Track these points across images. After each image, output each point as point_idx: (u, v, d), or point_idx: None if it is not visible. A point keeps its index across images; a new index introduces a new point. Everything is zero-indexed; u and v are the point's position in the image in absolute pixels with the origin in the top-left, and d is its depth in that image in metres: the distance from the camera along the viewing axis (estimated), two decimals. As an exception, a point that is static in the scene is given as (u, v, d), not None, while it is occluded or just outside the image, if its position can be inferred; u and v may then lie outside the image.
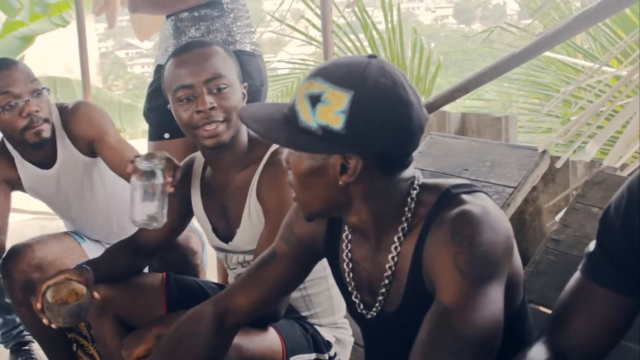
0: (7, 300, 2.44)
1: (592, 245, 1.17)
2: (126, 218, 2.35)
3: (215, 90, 1.74)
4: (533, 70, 5.06)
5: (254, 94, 2.30)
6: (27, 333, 2.63)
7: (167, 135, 2.44)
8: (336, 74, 1.21)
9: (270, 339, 1.74)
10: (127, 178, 2.15)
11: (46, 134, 2.17)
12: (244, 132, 1.82)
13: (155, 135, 2.51)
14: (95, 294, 1.83)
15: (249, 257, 1.84)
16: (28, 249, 2.23)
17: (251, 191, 1.79)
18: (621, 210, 1.11)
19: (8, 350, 2.69)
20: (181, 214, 1.93)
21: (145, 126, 2.63)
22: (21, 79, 2.14)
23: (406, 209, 1.29)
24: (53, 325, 1.82)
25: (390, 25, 5.48)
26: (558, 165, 2.59)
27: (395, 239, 1.30)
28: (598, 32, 4.71)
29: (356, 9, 5.50)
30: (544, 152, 2.53)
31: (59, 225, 2.61)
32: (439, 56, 5.82)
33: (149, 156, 1.80)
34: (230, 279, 1.99)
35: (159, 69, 2.46)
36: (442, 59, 5.68)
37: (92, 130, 2.23)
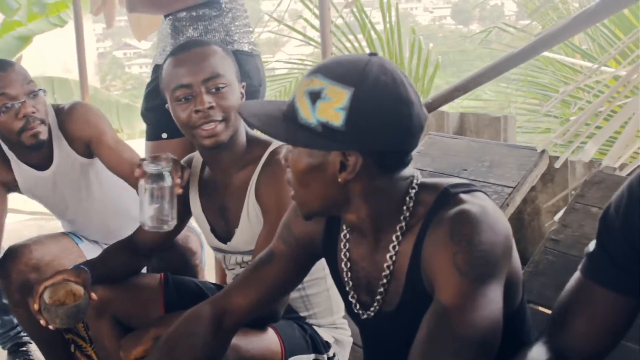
0: (5, 301, 2.44)
1: (592, 245, 1.17)
2: (123, 218, 2.36)
3: (213, 90, 1.73)
4: (531, 71, 5.06)
5: (252, 93, 2.30)
6: (25, 334, 2.63)
7: (164, 135, 2.44)
8: (336, 70, 1.21)
9: (269, 339, 1.74)
10: (126, 178, 2.15)
11: (43, 136, 2.16)
12: (243, 132, 1.81)
13: (152, 135, 2.50)
14: (93, 295, 1.82)
15: (247, 258, 1.84)
16: (25, 249, 2.22)
17: (250, 191, 1.79)
18: (621, 210, 1.11)
19: (6, 352, 2.68)
20: (179, 214, 1.93)
21: (143, 126, 2.63)
22: (17, 81, 2.13)
23: (405, 208, 1.28)
24: (50, 326, 1.81)
25: (388, 25, 5.48)
26: (557, 165, 2.59)
27: (394, 238, 1.29)
28: (596, 32, 4.71)
29: (354, 9, 5.50)
30: (543, 152, 2.52)
31: (56, 225, 2.61)
32: (437, 56, 5.81)
33: (155, 159, 1.79)
34: (229, 280, 1.98)
35: (156, 69, 2.46)
36: (440, 59, 5.68)
37: (89, 131, 2.22)
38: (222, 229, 1.88)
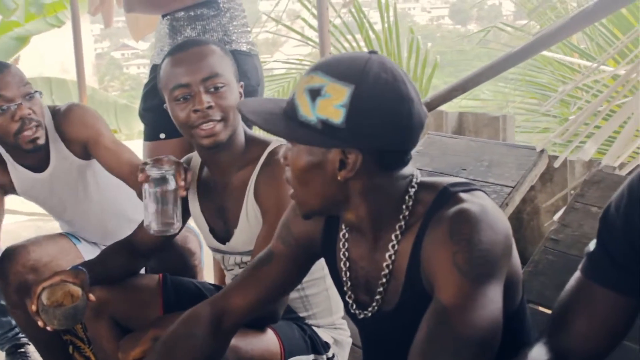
0: (2, 302, 2.43)
1: (592, 245, 1.17)
2: (121, 220, 2.36)
3: (212, 89, 1.73)
4: (529, 70, 5.06)
5: (251, 93, 2.29)
6: (23, 335, 2.62)
7: (162, 136, 2.43)
8: (337, 68, 1.21)
9: (268, 340, 1.73)
10: (125, 179, 2.14)
11: (41, 140, 2.16)
12: (241, 132, 1.81)
13: (150, 135, 2.49)
14: (91, 296, 1.81)
15: (246, 258, 1.83)
16: (23, 250, 2.22)
17: (249, 191, 1.78)
18: (621, 210, 1.11)
19: (4, 353, 2.68)
20: None
21: (141, 127, 2.62)
22: (13, 83, 2.12)
23: (404, 207, 1.28)
24: (48, 328, 1.80)
25: (386, 25, 5.48)
26: (556, 164, 2.59)
27: (393, 237, 1.29)
28: (595, 32, 4.71)
29: (352, 9, 5.50)
30: (542, 151, 2.52)
31: (54, 226, 2.60)
32: (435, 56, 5.81)
33: (157, 162, 1.79)
34: (228, 280, 1.98)
35: (154, 69, 2.45)
36: (439, 59, 5.68)
37: (86, 132, 2.21)
38: (221, 230, 1.88)
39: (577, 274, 1.18)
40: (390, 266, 1.30)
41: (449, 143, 2.82)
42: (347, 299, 1.39)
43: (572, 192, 2.52)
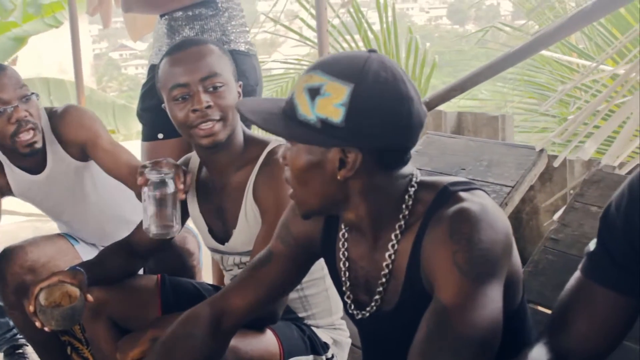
0: (0, 303, 2.42)
1: (592, 245, 1.16)
2: (119, 221, 2.35)
3: (211, 89, 1.72)
4: (528, 70, 5.05)
5: (249, 93, 2.29)
6: (21, 336, 2.61)
7: (160, 136, 2.42)
8: (336, 66, 1.20)
9: (268, 341, 1.73)
10: (124, 181, 2.13)
11: (39, 144, 2.15)
12: (240, 132, 1.80)
13: (148, 135, 2.49)
14: (89, 297, 1.81)
15: (245, 259, 1.83)
16: (21, 251, 2.21)
17: (247, 191, 1.78)
18: (622, 209, 1.10)
19: (2, 354, 2.67)
20: None
21: (139, 127, 2.61)
22: (10, 85, 2.11)
23: (404, 206, 1.28)
24: (46, 328, 1.80)
25: (384, 25, 5.48)
26: (556, 164, 2.58)
27: (393, 236, 1.28)
28: (593, 31, 4.71)
29: (351, 9, 5.50)
30: (542, 151, 2.52)
31: (52, 227, 2.59)
32: (433, 56, 5.81)
33: (155, 164, 1.79)
34: (226, 281, 1.97)
35: (152, 69, 2.45)
36: (437, 59, 5.68)
37: (83, 134, 2.20)
38: (220, 230, 1.87)
39: (577, 273, 1.17)
40: (390, 266, 1.30)
41: (447, 143, 2.82)
42: (347, 299, 1.38)
43: (571, 191, 2.52)
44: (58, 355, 2.31)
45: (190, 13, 2.42)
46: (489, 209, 1.20)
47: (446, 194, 1.25)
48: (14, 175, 2.26)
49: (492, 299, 1.14)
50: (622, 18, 4.43)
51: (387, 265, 1.30)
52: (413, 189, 1.28)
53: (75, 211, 2.35)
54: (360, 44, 5.67)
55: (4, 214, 2.36)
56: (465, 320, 1.12)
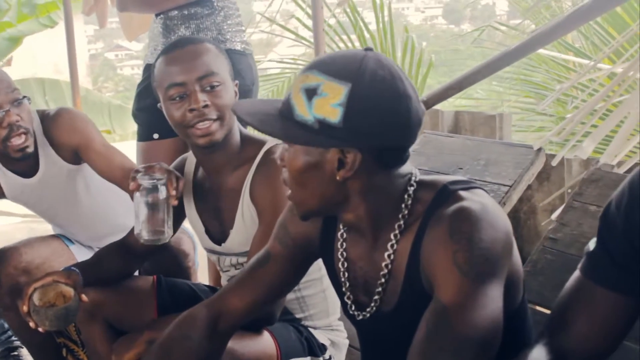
0: (-5, 305, 2.40)
1: (592, 244, 1.16)
2: (113, 224, 2.34)
3: (208, 88, 1.71)
4: (524, 69, 5.06)
5: (245, 93, 2.27)
6: (16, 338, 2.60)
7: (156, 136, 2.41)
8: (333, 66, 1.20)
9: (265, 342, 1.72)
10: (118, 183, 2.12)
11: (30, 149, 2.13)
12: (237, 132, 1.79)
13: (144, 136, 2.47)
14: (84, 297, 1.80)
15: (242, 259, 1.82)
16: (15, 252, 2.20)
17: (244, 192, 1.77)
18: (622, 208, 1.10)
19: (-3, 356, 2.66)
20: (173, 215, 1.90)
21: (135, 127, 2.60)
22: (1, 89, 2.08)
23: (403, 205, 1.27)
24: (40, 329, 1.78)
25: (381, 25, 5.48)
26: (554, 163, 2.58)
27: (392, 236, 1.28)
28: (590, 30, 4.72)
29: (347, 9, 5.50)
30: (539, 150, 2.51)
31: (48, 228, 2.58)
32: (429, 56, 5.81)
33: (148, 169, 1.77)
34: (223, 282, 1.96)
35: (148, 68, 2.43)
36: (434, 59, 5.68)
37: (76, 138, 2.18)
38: (217, 231, 1.86)
39: (577, 273, 1.17)
40: (389, 266, 1.29)
41: (445, 142, 2.81)
42: (347, 299, 1.38)
43: (569, 190, 2.52)
44: (53, 357, 2.30)
45: (185, 12, 2.40)
46: (489, 208, 1.20)
47: (446, 193, 1.24)
48: (7, 178, 2.25)
49: (493, 299, 1.14)
50: (618, 17, 4.44)
51: (387, 266, 1.29)
52: (412, 188, 1.27)
53: (69, 214, 2.34)
54: (357, 43, 5.67)
55: (-1, 215, 2.35)
56: (465, 320, 1.11)
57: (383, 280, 1.30)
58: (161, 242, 1.79)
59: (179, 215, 1.91)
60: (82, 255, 2.29)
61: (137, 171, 1.77)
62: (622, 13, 4.39)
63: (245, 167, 1.78)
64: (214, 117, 1.71)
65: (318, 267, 1.56)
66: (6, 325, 2.57)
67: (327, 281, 1.58)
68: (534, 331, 1.35)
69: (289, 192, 1.29)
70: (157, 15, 2.47)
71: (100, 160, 2.16)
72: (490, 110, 5.36)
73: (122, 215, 2.32)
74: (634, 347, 1.49)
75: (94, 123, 2.28)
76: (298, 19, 6.13)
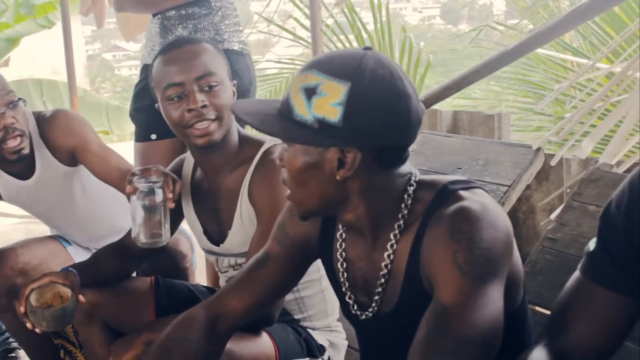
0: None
1: (591, 244, 1.15)
2: (110, 225, 2.33)
3: (206, 88, 1.71)
4: (522, 69, 5.06)
5: (243, 93, 2.27)
6: (13, 340, 2.59)
7: (154, 136, 2.41)
8: (332, 65, 1.19)
9: (263, 344, 1.71)
10: (115, 185, 2.12)
11: (26, 150, 2.12)
12: (235, 132, 1.79)
13: (141, 136, 2.47)
14: (81, 297, 1.79)
15: (240, 260, 1.81)
16: (12, 253, 2.19)
17: (243, 192, 1.76)
18: (622, 208, 1.10)
19: (-6, 358, 2.65)
20: (171, 217, 1.90)
21: (133, 128, 2.59)
22: None
23: (403, 205, 1.26)
24: (37, 330, 1.77)
25: (379, 25, 5.48)
26: (553, 163, 2.58)
27: (392, 236, 1.27)
28: (587, 30, 4.72)
29: (345, 9, 5.50)
30: (538, 149, 2.51)
31: (45, 229, 2.58)
32: (427, 56, 5.81)
33: (145, 172, 1.77)
34: (222, 283, 1.96)
35: (145, 69, 2.43)
36: (432, 58, 5.69)
37: (72, 140, 2.18)
38: (215, 231, 1.86)
39: (577, 273, 1.16)
40: (389, 266, 1.28)
41: (443, 142, 2.81)
42: (348, 300, 1.37)
43: (568, 190, 2.51)
44: (51, 359, 2.29)
45: (183, 12, 2.40)
46: (490, 208, 1.19)
47: (446, 193, 1.24)
48: (3, 180, 2.24)
49: (493, 299, 1.13)
50: (616, 17, 4.44)
51: (386, 266, 1.28)
52: (412, 188, 1.27)
53: (66, 216, 2.33)
54: (354, 43, 5.67)
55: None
56: (465, 320, 1.11)
57: (383, 280, 1.29)
58: (159, 245, 1.79)
59: (177, 217, 1.90)
60: (80, 256, 2.28)
61: (134, 174, 1.77)
62: (620, 13, 4.40)
63: (243, 167, 1.77)
64: (213, 117, 1.70)
65: (317, 268, 1.55)
66: (3, 327, 2.57)
67: (326, 282, 1.57)
68: (534, 331, 1.35)
69: (288, 192, 1.29)
70: (154, 15, 2.46)
71: (97, 162, 2.15)
72: (488, 110, 5.36)
73: (119, 216, 2.32)
74: (634, 347, 1.49)
75: (91, 124, 2.27)
76: (296, 19, 6.12)
